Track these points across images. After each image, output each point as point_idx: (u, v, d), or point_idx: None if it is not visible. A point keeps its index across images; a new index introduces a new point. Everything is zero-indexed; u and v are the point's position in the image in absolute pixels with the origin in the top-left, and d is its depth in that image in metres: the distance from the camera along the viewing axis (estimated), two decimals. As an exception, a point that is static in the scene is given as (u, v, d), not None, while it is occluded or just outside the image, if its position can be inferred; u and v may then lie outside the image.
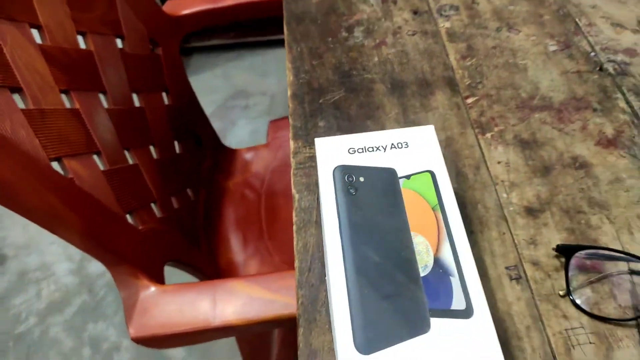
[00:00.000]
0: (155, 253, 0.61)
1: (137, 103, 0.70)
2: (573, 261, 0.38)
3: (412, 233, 0.34)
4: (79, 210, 0.50)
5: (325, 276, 0.40)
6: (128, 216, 0.59)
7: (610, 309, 0.37)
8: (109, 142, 0.60)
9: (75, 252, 1.35)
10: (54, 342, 1.20)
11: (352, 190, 0.36)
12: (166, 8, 0.80)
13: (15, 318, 1.24)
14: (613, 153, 0.46)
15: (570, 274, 0.38)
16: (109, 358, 1.16)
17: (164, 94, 0.78)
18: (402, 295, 0.31)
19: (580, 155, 0.46)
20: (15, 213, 0.49)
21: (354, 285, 0.32)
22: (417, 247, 0.33)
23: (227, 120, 1.65)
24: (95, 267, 1.32)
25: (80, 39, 0.59)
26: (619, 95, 0.50)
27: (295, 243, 0.42)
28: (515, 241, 0.40)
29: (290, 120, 0.51)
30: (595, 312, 0.37)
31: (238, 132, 1.62)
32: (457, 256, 0.33)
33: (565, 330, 0.36)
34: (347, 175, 0.37)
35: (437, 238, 0.34)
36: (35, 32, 0.52)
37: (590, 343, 0.35)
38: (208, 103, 1.70)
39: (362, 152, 0.39)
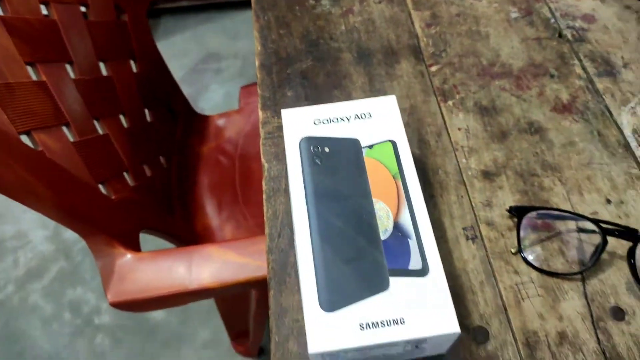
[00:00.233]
0: (130, 221, 0.63)
1: (104, 72, 0.70)
2: (525, 221, 0.41)
3: (374, 199, 0.36)
4: (50, 183, 0.50)
5: (294, 241, 0.42)
6: (100, 186, 0.59)
7: (558, 265, 0.40)
8: (78, 113, 0.60)
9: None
10: (34, 308, 1.21)
11: (317, 161, 0.38)
12: (131, -28, 0.78)
13: (-8, 287, 1.24)
14: (567, 118, 0.48)
15: (522, 233, 0.41)
16: (90, 321, 1.19)
17: (131, 62, 0.78)
18: (363, 257, 0.34)
19: (536, 120, 0.48)
20: (-13, 186, 0.49)
21: (318, 249, 0.34)
22: (378, 212, 0.36)
23: (200, 84, 1.64)
24: (71, 233, 1.33)
25: (43, 8, 0.58)
26: (576, 61, 0.52)
27: (265, 211, 0.43)
28: (473, 204, 0.43)
29: (258, 90, 0.52)
30: (545, 267, 0.40)
31: (211, 96, 1.61)
32: (415, 220, 0.35)
33: (516, 284, 0.39)
34: (312, 146, 0.39)
35: (397, 204, 0.36)
36: (-4, 3, 0.52)
37: (538, 296, 0.38)
38: (179, 67, 1.68)
39: (327, 122, 0.40)
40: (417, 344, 0.32)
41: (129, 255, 0.57)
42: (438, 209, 0.43)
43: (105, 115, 0.67)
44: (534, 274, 0.39)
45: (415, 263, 0.33)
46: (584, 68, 0.52)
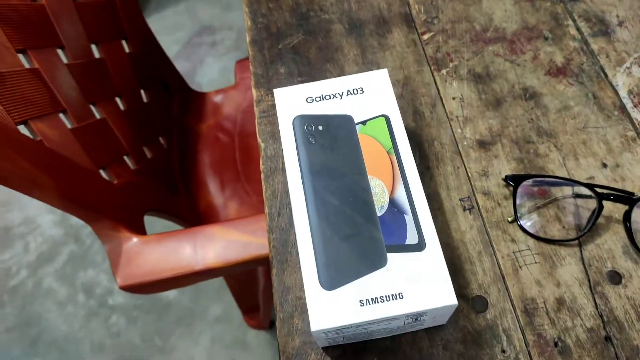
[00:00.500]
0: (134, 205, 0.63)
1: (97, 55, 0.69)
2: (521, 189, 0.41)
3: (369, 176, 0.36)
4: (51, 172, 0.51)
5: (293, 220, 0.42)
6: (102, 172, 0.60)
7: (554, 231, 0.40)
8: (74, 98, 0.60)
9: (57, 204, 1.36)
10: (49, 292, 1.24)
11: (311, 139, 0.38)
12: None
13: (5, 273, 1.27)
14: (562, 81, 0.48)
15: (518, 201, 0.41)
16: (104, 302, 1.21)
17: (123, 42, 0.77)
18: (360, 234, 0.34)
19: (530, 85, 0.48)
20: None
21: (316, 228, 0.35)
22: (373, 189, 0.36)
23: (195, 59, 1.62)
24: (79, 217, 1.34)
25: (29, -5, 0.57)
26: (570, 22, 0.51)
27: (264, 190, 0.44)
28: (469, 174, 0.43)
29: (251, 67, 0.51)
30: (541, 234, 0.40)
31: (207, 70, 1.59)
32: (411, 195, 0.35)
33: (513, 252, 0.39)
34: (306, 124, 0.39)
35: (392, 180, 0.36)
36: (-19, -7, 0.51)
37: (535, 263, 0.39)
38: (173, 41, 1.66)
39: (320, 100, 0.40)
40: (417, 317, 0.33)
41: (135, 239, 0.58)
42: (434, 181, 0.43)
43: (101, 99, 0.67)
44: (531, 241, 0.40)
45: (411, 238, 0.34)
46: (578, 29, 0.51)
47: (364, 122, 0.39)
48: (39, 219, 1.35)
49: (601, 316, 0.36)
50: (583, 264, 0.38)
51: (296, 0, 0.56)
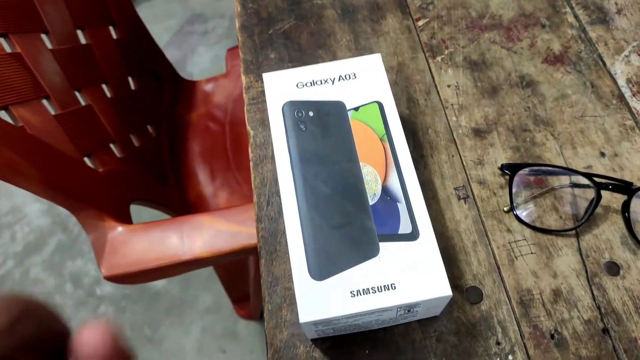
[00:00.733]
0: (119, 194, 0.62)
1: (83, 40, 0.67)
2: (517, 178, 0.40)
3: (361, 164, 0.35)
4: (34, 159, 0.49)
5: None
6: (86, 159, 0.58)
7: (551, 221, 0.39)
8: (57, 84, 0.58)
9: (44, 193, 1.34)
10: (36, 282, 1.22)
11: (302, 126, 0.37)
12: None
13: (-8, 262, 1.25)
14: (559, 69, 0.47)
15: (514, 190, 0.40)
16: (91, 292, 1.20)
17: (110, 28, 0.75)
18: (352, 223, 0.33)
19: (527, 73, 0.46)
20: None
21: (306, 217, 0.33)
22: (366, 177, 0.35)
23: (187, 47, 1.59)
24: (67, 207, 1.32)
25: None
26: (568, 9, 0.50)
27: (252, 179, 0.42)
28: (464, 162, 0.42)
29: (240, 53, 0.50)
30: (538, 224, 0.39)
31: (199, 59, 1.57)
32: (404, 183, 0.34)
33: (509, 243, 0.38)
34: (296, 110, 0.38)
35: (385, 167, 0.35)
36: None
37: (531, 253, 0.38)
38: (164, 29, 1.63)
39: (311, 85, 0.39)
40: (410, 308, 0.32)
41: (120, 228, 0.56)
42: (429, 169, 0.42)
43: (86, 85, 0.65)
44: (527, 231, 0.39)
45: (405, 227, 0.33)
46: (576, 16, 0.50)
47: (356, 108, 0.38)
48: (25, 208, 1.32)
49: (599, 308, 0.35)
50: (580, 254, 0.37)
51: (288, -17, 0.55)
